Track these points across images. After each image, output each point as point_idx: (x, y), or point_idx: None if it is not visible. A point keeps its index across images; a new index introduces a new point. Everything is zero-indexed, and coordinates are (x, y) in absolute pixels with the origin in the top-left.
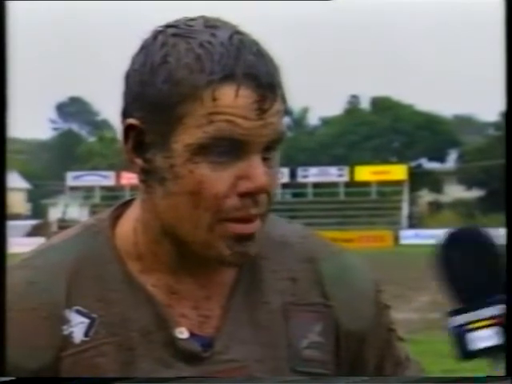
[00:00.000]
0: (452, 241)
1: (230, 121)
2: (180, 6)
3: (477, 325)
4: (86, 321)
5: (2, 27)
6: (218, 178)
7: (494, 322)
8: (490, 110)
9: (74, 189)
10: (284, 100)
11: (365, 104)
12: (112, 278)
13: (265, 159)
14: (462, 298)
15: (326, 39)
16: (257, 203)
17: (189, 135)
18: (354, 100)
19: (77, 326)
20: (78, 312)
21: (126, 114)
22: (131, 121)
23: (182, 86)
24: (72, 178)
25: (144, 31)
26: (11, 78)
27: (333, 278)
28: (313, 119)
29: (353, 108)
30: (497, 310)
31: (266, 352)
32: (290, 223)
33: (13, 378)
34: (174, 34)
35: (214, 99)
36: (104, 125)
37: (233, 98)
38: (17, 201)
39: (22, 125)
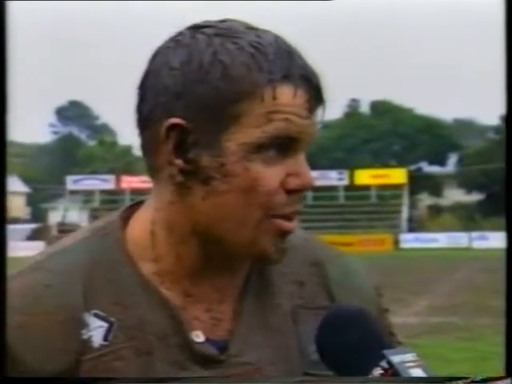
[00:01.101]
0: (327, 329)
1: (288, 119)
2: (181, 6)
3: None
4: (105, 325)
5: (1, 27)
6: (270, 175)
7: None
8: (489, 114)
9: (73, 192)
10: (324, 105)
11: (365, 107)
12: (125, 281)
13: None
14: (349, 370)
15: (325, 42)
16: (301, 200)
17: (245, 134)
18: (354, 103)
19: (96, 330)
20: (97, 316)
21: (163, 114)
22: (175, 120)
23: (241, 83)
24: (72, 182)
25: (146, 34)
26: (11, 81)
27: (338, 281)
28: None
29: (353, 111)
30: (381, 368)
31: (278, 355)
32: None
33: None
34: (215, 33)
35: (275, 98)
36: (104, 129)
37: (291, 98)
38: (16, 204)
39: (22, 128)
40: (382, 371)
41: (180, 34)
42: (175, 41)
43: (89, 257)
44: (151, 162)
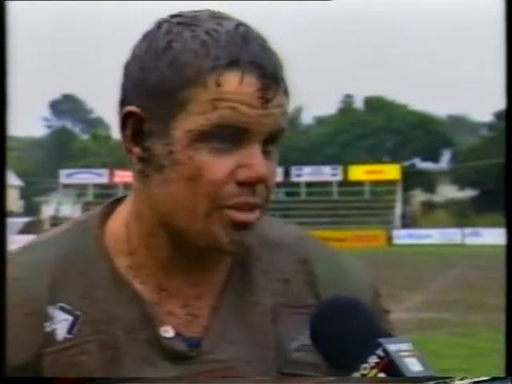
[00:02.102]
0: (323, 315)
1: (233, 108)
2: (181, 6)
3: (369, 374)
4: (70, 318)
5: (1, 27)
6: (217, 165)
7: (380, 367)
8: (483, 111)
9: (67, 186)
10: (287, 96)
11: (359, 103)
12: (98, 276)
13: (264, 152)
14: (344, 360)
15: (319, 39)
16: (255, 193)
17: (190, 121)
18: (348, 99)
19: (60, 323)
20: (62, 309)
21: (124, 102)
22: (131, 108)
23: (187, 70)
24: (65, 176)
25: (140, 29)
26: (6, 74)
27: (327, 280)
28: (307, 118)
29: (347, 107)
30: (376, 356)
31: (254, 353)
32: (286, 224)
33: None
34: (178, 22)
35: (219, 85)
36: (97, 123)
37: (237, 85)
38: (10, 198)
39: (16, 122)
40: (378, 359)
41: (156, 22)
42: (146, 31)
43: (63, 250)
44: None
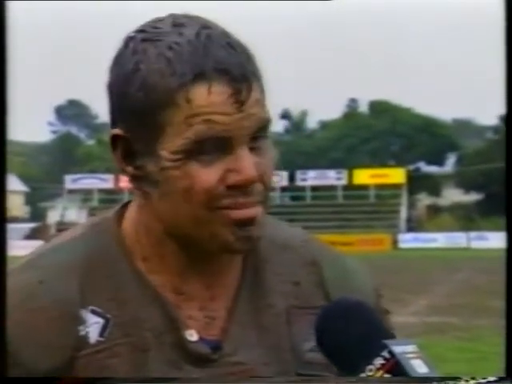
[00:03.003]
0: (328, 316)
1: (208, 120)
2: (182, 6)
3: (375, 376)
4: (101, 321)
5: (1, 27)
6: (206, 173)
7: (385, 369)
8: (488, 114)
9: (72, 191)
10: (262, 87)
11: (363, 107)
12: (122, 277)
13: (253, 149)
14: (350, 361)
15: (325, 43)
16: (249, 193)
17: (171, 143)
18: (353, 104)
19: (92, 326)
20: (93, 312)
21: (112, 124)
22: (116, 131)
23: (156, 92)
24: (70, 181)
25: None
26: (10, 80)
27: (335, 282)
28: (312, 123)
29: (351, 111)
30: (382, 357)
31: (271, 355)
32: (292, 227)
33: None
34: (143, 39)
35: (188, 101)
36: (103, 128)
37: (206, 97)
38: (15, 203)
39: (21, 127)
40: (384, 361)
41: (124, 39)
42: (116, 51)
43: (84, 253)
44: None
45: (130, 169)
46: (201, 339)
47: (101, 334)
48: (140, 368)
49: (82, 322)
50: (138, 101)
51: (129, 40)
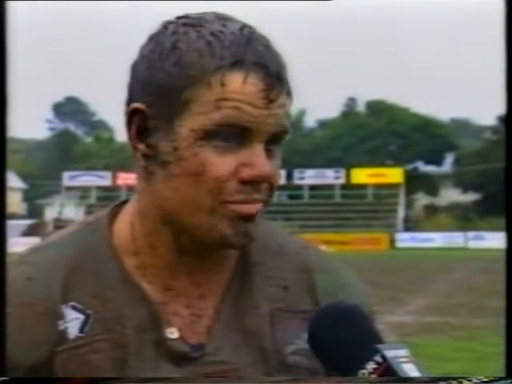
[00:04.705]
0: (322, 320)
1: (237, 107)
2: (182, 6)
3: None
4: (81, 317)
5: (1, 27)
6: (221, 162)
7: (377, 373)
8: (486, 114)
9: (70, 189)
10: (290, 97)
11: (361, 106)
12: (108, 276)
13: (267, 150)
14: (342, 365)
15: (322, 41)
16: (258, 190)
17: (194, 120)
18: (351, 102)
19: (72, 322)
20: (74, 308)
21: (130, 101)
22: (136, 105)
23: (191, 69)
24: (68, 178)
25: (143, 31)
26: (8, 77)
27: (327, 290)
28: (309, 121)
29: (350, 111)
30: (374, 362)
31: (254, 356)
32: (291, 235)
33: (5, 378)
34: (184, 23)
35: (223, 85)
36: (100, 125)
37: (241, 85)
38: (13, 200)
39: (19, 124)
40: (376, 365)
41: (162, 23)
42: (152, 32)
43: (74, 250)
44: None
45: (141, 146)
46: (182, 338)
47: (81, 330)
48: (120, 364)
49: (61, 317)
50: (170, 76)
51: (168, 23)
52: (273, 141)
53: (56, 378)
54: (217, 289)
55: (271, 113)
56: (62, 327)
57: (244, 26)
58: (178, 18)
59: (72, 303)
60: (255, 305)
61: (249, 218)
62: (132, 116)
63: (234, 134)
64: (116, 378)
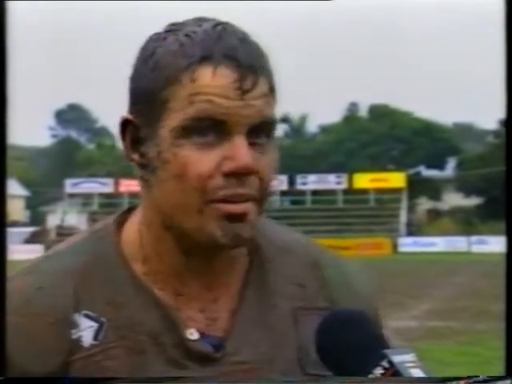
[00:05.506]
0: (331, 325)
1: (209, 100)
2: (182, 6)
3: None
4: (95, 325)
5: (1, 27)
6: (201, 159)
7: (385, 378)
8: (489, 118)
9: (72, 196)
10: (272, 86)
11: (363, 111)
12: (119, 282)
13: (254, 144)
14: (348, 368)
15: (324, 46)
16: (243, 184)
17: (173, 119)
18: (353, 107)
19: (85, 330)
20: (87, 316)
21: (128, 112)
22: (126, 116)
23: (166, 70)
24: (70, 185)
25: (145, 36)
26: (10, 84)
27: (336, 283)
28: (312, 127)
29: (351, 115)
30: (381, 367)
31: (276, 353)
32: (292, 231)
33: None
34: (167, 30)
35: (194, 80)
36: (103, 132)
37: (211, 78)
38: (15, 208)
39: (21, 131)
40: (383, 371)
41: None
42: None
43: (84, 258)
44: None
45: (136, 156)
46: (202, 337)
47: (95, 338)
48: (139, 370)
49: (74, 326)
50: (149, 80)
51: (154, 34)
52: (258, 133)
53: (56, 378)
54: (229, 291)
55: (247, 104)
56: (75, 336)
57: (218, 24)
58: (166, 26)
59: (85, 311)
60: (274, 304)
61: (237, 218)
62: (124, 127)
63: (212, 128)
64: (119, 378)
